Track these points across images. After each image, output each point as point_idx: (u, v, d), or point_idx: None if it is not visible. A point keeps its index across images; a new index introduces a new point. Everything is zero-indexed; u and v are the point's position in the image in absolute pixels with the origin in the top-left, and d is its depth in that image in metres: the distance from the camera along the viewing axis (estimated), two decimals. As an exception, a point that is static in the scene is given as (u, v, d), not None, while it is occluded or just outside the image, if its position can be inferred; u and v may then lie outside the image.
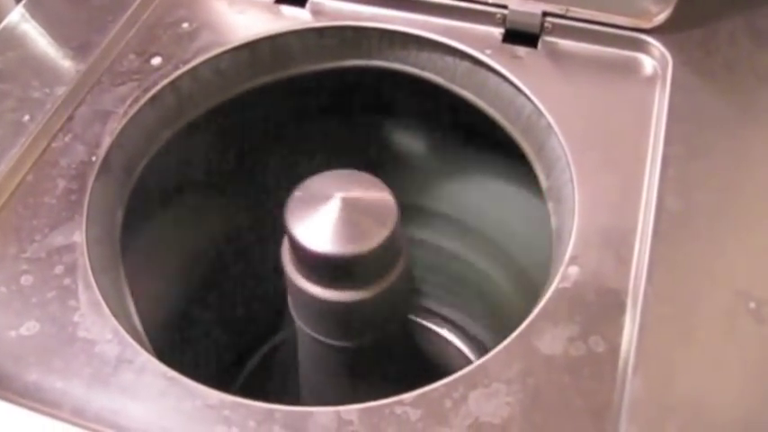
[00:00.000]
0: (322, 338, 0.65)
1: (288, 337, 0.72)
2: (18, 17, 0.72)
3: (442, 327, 0.98)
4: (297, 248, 0.59)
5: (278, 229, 0.60)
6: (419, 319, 0.98)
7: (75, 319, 0.53)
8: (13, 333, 0.52)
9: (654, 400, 0.47)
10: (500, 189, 0.79)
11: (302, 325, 0.66)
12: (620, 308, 0.52)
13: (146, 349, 0.52)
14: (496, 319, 0.88)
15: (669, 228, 0.55)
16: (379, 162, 0.64)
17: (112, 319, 0.52)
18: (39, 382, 0.50)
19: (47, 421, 0.48)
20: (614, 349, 0.50)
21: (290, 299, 0.66)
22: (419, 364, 0.86)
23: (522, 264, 0.80)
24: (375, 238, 0.58)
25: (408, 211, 0.60)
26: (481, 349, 0.92)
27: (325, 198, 0.58)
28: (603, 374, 0.49)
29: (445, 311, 0.97)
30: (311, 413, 0.48)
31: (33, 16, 0.72)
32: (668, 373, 0.49)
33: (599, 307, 0.52)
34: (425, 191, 0.85)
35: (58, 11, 0.73)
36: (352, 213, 0.58)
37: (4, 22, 0.71)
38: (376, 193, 0.60)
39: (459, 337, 0.97)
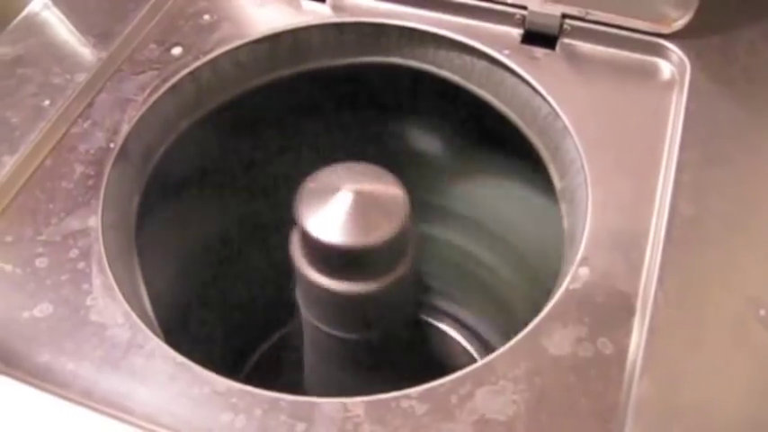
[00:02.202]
0: (330, 330, 0.66)
1: (296, 328, 0.72)
2: (41, 4, 0.72)
3: (449, 325, 0.98)
4: (307, 239, 0.59)
5: (290, 219, 0.61)
6: (428, 317, 0.98)
7: (88, 302, 0.53)
8: (26, 314, 0.53)
9: (660, 404, 0.47)
10: (513, 189, 0.79)
11: (310, 316, 0.66)
12: (630, 310, 0.52)
13: (156, 335, 0.52)
14: (505, 318, 0.88)
15: (681, 232, 0.55)
16: (392, 158, 0.64)
17: (124, 303, 0.53)
18: (49, 363, 0.51)
19: (56, 401, 0.49)
20: (622, 351, 0.50)
21: (298, 290, 0.66)
22: (425, 360, 0.86)
23: (534, 264, 0.80)
24: (385, 230, 0.58)
25: (420, 207, 0.61)
26: (488, 349, 0.92)
27: (337, 190, 0.59)
28: (611, 376, 0.49)
29: (453, 309, 0.97)
30: (317, 403, 0.48)
31: (56, 4, 0.73)
32: (676, 376, 0.49)
33: (608, 309, 0.52)
34: (438, 188, 0.85)
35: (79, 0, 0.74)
36: (363, 205, 0.58)
37: (27, 9, 0.72)
38: (387, 187, 0.60)
39: (465, 336, 0.97)
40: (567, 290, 0.53)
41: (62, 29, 0.70)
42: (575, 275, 0.53)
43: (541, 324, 0.51)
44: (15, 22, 0.71)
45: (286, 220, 0.61)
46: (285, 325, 0.91)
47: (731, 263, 0.53)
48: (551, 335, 0.51)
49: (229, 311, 0.86)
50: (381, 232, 0.58)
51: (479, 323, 0.96)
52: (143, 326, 0.52)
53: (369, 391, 0.49)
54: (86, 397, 0.49)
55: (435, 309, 0.98)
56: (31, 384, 0.50)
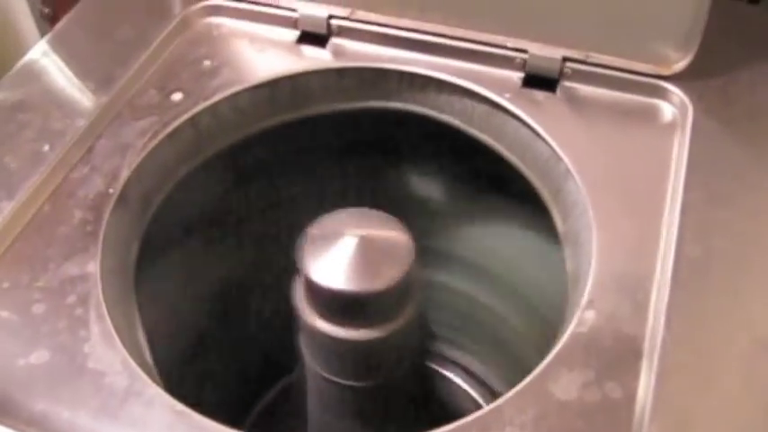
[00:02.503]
0: (333, 377, 0.64)
1: (299, 376, 0.71)
2: (41, 51, 0.73)
3: (455, 372, 0.96)
4: (310, 285, 0.59)
5: (292, 267, 0.60)
6: (433, 365, 0.97)
7: (86, 349, 0.52)
8: (22, 361, 0.52)
9: (671, 450, 0.46)
10: (516, 232, 0.78)
11: (313, 363, 0.65)
12: (637, 354, 0.51)
13: (155, 382, 0.51)
14: (510, 364, 0.87)
15: (687, 274, 0.54)
16: (393, 202, 0.64)
17: (123, 350, 0.52)
18: (46, 412, 0.49)
19: (52, 452, 0.48)
20: (631, 396, 0.49)
21: (300, 337, 0.65)
22: (430, 407, 0.85)
23: (539, 308, 0.79)
24: (390, 276, 0.57)
25: (422, 252, 0.60)
26: (494, 395, 0.91)
27: (341, 235, 0.58)
28: (619, 422, 0.48)
29: (459, 356, 0.96)
30: (320, 453, 0.47)
31: (56, 50, 0.73)
32: (686, 421, 0.48)
33: (615, 353, 0.51)
34: (440, 233, 0.84)
35: (81, 45, 0.74)
36: (368, 251, 0.58)
37: (28, 56, 0.72)
38: (392, 232, 0.59)
39: (471, 383, 0.95)
40: (573, 333, 0.52)
41: (62, 74, 0.70)
42: (581, 319, 0.53)
43: (548, 369, 0.50)
44: (15, 68, 0.71)
45: (288, 268, 0.61)
46: (289, 373, 0.90)
47: (738, 303, 0.53)
48: (558, 379, 0.50)
49: (231, 360, 0.84)
50: (386, 278, 0.57)
51: (485, 369, 0.95)
52: (142, 373, 0.51)
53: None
54: (83, 447, 0.48)
55: (440, 356, 0.97)
56: (26, 434, 0.49)
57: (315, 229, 0.59)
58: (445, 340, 0.96)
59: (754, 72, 0.67)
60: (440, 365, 0.97)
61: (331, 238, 0.58)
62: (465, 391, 0.95)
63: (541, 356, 0.52)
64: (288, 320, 0.65)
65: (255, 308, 0.85)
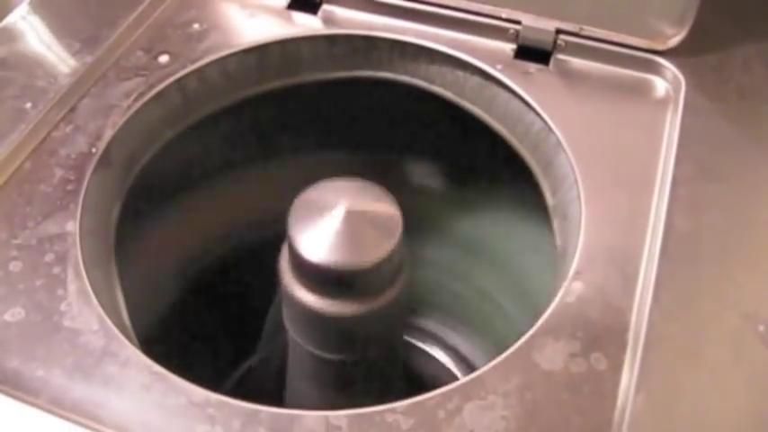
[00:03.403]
0: (315, 351, 0.64)
1: (282, 347, 0.70)
2: (26, 10, 0.71)
3: (437, 348, 0.96)
4: (296, 257, 0.57)
5: (276, 236, 0.59)
6: (415, 340, 0.96)
7: (62, 308, 0.51)
8: (-4, 318, 0.51)
9: (656, 422, 0.46)
10: (505, 206, 0.78)
11: (295, 336, 0.64)
12: (624, 326, 0.50)
13: (133, 343, 0.50)
14: (498, 345, 0.87)
15: (677, 247, 0.53)
16: (381, 174, 0.63)
17: (100, 309, 0.51)
18: (19, 369, 0.48)
19: (24, 408, 0.47)
20: (616, 367, 0.48)
21: (284, 308, 0.64)
22: (413, 384, 0.84)
23: (528, 287, 0.78)
24: (377, 251, 0.56)
25: (409, 227, 0.59)
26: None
27: (328, 206, 0.57)
28: (604, 392, 0.47)
29: (442, 332, 0.95)
30: (299, 416, 0.46)
31: (42, 10, 0.71)
32: (671, 393, 0.47)
33: (602, 324, 0.50)
34: (428, 205, 0.84)
35: (67, 6, 0.73)
36: (355, 224, 0.57)
37: (12, 15, 0.71)
38: (380, 205, 0.58)
39: (457, 363, 0.95)
40: (559, 304, 0.51)
41: (47, 34, 0.69)
42: (568, 290, 0.52)
43: (533, 338, 0.50)
44: (-1, 26, 0.70)
45: (272, 238, 0.60)
46: (269, 344, 0.89)
47: (727, 278, 0.52)
48: (543, 349, 0.49)
49: (210, 328, 0.84)
50: (373, 252, 0.56)
51: (472, 349, 0.94)
52: (119, 333, 0.50)
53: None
54: (56, 405, 0.47)
55: (422, 331, 0.96)
56: (-1, 391, 0.48)
57: (302, 200, 0.58)
58: (431, 318, 0.95)
59: (748, 49, 0.66)
60: (425, 343, 0.96)
61: (318, 208, 0.57)
62: (449, 369, 0.95)
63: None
64: (269, 290, 0.64)
65: (235, 276, 0.84)
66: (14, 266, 0.54)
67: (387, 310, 0.60)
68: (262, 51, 0.69)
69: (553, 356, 0.49)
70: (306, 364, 0.68)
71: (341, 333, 0.62)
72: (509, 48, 0.67)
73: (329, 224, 0.56)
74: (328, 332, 0.62)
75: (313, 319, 0.61)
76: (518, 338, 0.50)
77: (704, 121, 0.61)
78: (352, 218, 0.56)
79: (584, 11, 0.66)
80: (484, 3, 0.68)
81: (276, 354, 0.78)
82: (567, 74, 0.66)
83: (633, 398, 0.46)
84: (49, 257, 0.54)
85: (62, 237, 0.55)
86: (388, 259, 0.57)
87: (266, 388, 0.83)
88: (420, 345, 0.96)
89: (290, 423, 0.46)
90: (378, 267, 0.56)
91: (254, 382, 0.89)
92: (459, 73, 0.68)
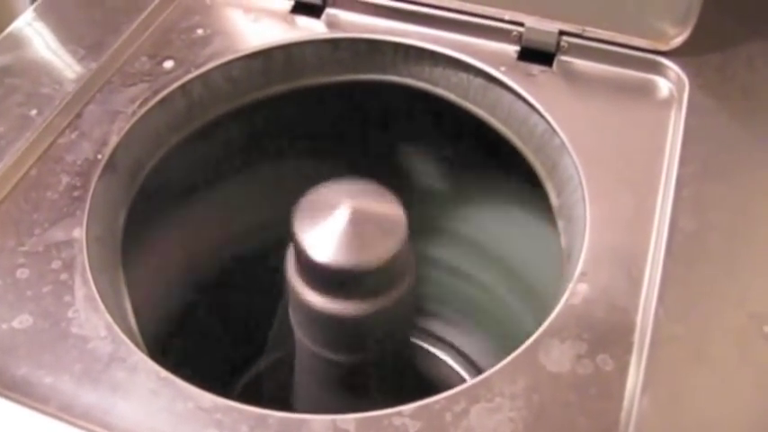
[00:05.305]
0: (321, 351, 0.64)
1: (288, 349, 0.70)
2: (31, 17, 0.71)
3: (444, 350, 0.96)
4: (301, 257, 0.58)
5: (282, 239, 0.59)
6: (422, 342, 0.96)
7: (70, 314, 0.51)
8: (4, 326, 0.51)
9: (662, 422, 0.46)
10: (510, 207, 0.78)
11: (302, 336, 0.64)
12: (630, 327, 0.50)
13: (140, 349, 0.51)
14: (504, 345, 0.87)
15: (682, 248, 0.53)
16: (387, 176, 0.63)
17: (107, 316, 0.51)
18: (27, 376, 0.49)
19: (33, 415, 0.47)
20: (623, 368, 0.48)
21: (291, 309, 0.64)
22: (418, 385, 0.84)
23: (533, 286, 0.78)
24: (383, 251, 0.57)
25: (415, 227, 0.59)
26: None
27: (333, 207, 0.57)
28: (611, 394, 0.47)
29: (449, 334, 0.95)
30: (306, 420, 0.47)
31: (46, 16, 0.72)
32: (678, 394, 0.47)
33: (608, 325, 0.50)
34: (433, 207, 0.84)
35: (71, 12, 0.73)
36: (361, 224, 0.57)
37: (17, 21, 0.71)
38: (385, 205, 0.59)
39: (460, 362, 0.95)
40: (565, 305, 0.51)
41: (52, 40, 0.69)
42: (573, 291, 0.52)
43: (539, 340, 0.50)
44: (4, 33, 0.70)
45: (277, 241, 0.60)
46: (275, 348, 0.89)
47: (733, 278, 0.52)
48: (550, 351, 0.49)
49: (219, 332, 0.84)
50: (378, 253, 0.56)
51: (477, 349, 0.94)
52: (126, 339, 0.50)
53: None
54: (65, 411, 0.47)
55: (428, 333, 0.96)
56: (7, 398, 0.48)
57: (307, 201, 0.59)
58: (437, 317, 0.95)
59: (752, 48, 0.66)
60: (428, 342, 0.96)
61: (324, 209, 0.57)
62: (456, 371, 0.95)
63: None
64: (276, 293, 0.64)
65: (242, 280, 0.84)
66: (22, 273, 0.54)
67: (393, 309, 0.60)
68: (266, 56, 0.69)
69: (560, 358, 0.49)
70: (313, 366, 0.68)
71: (347, 333, 0.62)
72: (512, 50, 0.67)
73: (334, 224, 0.56)
74: (334, 332, 0.63)
75: (319, 320, 0.61)
76: (525, 339, 0.50)
77: (708, 120, 0.61)
78: (357, 218, 0.57)
79: (587, 12, 0.66)
80: (487, 5, 0.68)
81: (283, 357, 0.78)
82: (571, 75, 0.66)
83: (639, 399, 0.46)
84: (56, 264, 0.54)
85: (69, 243, 0.55)
86: (393, 259, 0.57)
87: (274, 392, 0.83)
88: (424, 345, 0.96)
89: (298, 427, 0.46)
90: (383, 267, 0.57)
91: (261, 386, 0.89)
92: (463, 75, 0.68)
